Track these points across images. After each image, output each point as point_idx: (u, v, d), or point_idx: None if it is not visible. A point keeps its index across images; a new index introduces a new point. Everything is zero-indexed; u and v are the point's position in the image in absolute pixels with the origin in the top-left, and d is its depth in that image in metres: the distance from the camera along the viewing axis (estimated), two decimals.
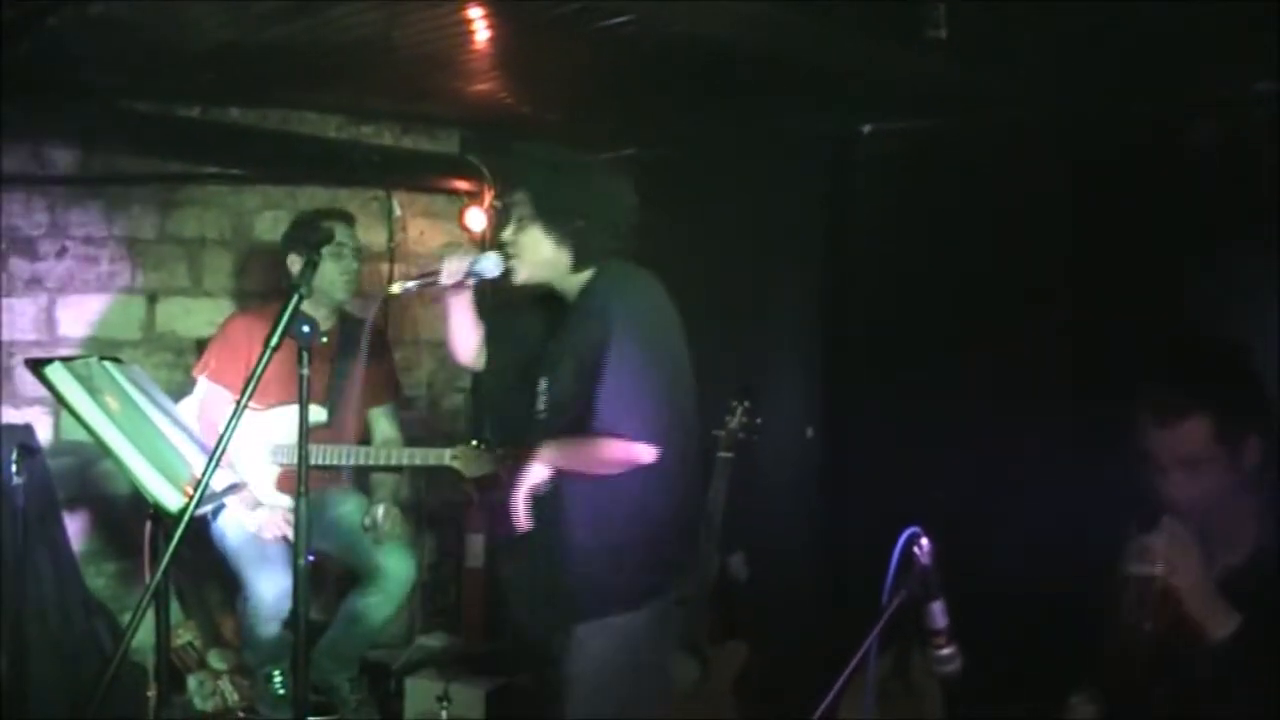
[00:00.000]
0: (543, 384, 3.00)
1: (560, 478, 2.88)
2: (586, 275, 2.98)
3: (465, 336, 3.17)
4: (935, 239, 3.99)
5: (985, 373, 3.79)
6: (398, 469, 4.44)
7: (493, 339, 3.21)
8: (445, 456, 4.12)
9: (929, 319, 4.02)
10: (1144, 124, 3.55)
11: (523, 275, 2.98)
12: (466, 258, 3.00)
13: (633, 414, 2.79)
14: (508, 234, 2.99)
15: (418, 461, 4.22)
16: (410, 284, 3.06)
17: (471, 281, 3.03)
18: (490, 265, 2.98)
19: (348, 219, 4.32)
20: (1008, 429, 3.68)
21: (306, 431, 2.67)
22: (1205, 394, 2.34)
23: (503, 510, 2.92)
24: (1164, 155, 3.48)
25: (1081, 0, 2.89)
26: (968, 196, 3.91)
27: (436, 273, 3.00)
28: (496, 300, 3.34)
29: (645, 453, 2.80)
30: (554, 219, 2.93)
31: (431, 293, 3.13)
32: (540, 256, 2.95)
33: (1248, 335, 3.15)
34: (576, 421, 2.83)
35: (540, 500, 2.88)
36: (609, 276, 2.96)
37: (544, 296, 3.07)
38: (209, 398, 4.16)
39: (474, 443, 4.10)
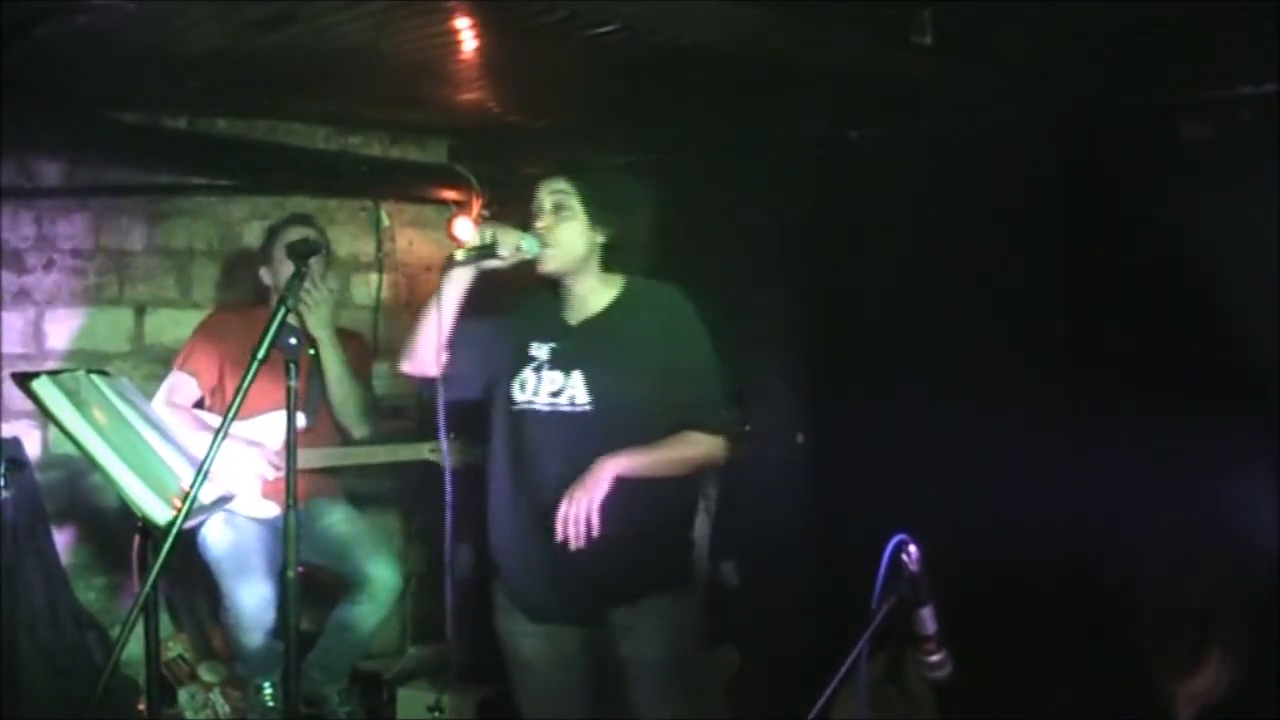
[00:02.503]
0: (567, 379, 2.91)
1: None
2: (616, 279, 2.98)
3: (445, 326, 2.93)
4: (925, 241, 3.98)
5: (977, 377, 3.78)
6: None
7: (492, 332, 3.06)
8: (424, 451, 4.19)
9: (919, 323, 4.02)
10: (1138, 124, 3.55)
11: (552, 265, 2.91)
12: (514, 234, 2.85)
13: (718, 412, 2.95)
14: (544, 221, 2.90)
15: (400, 457, 4.27)
16: (471, 253, 2.88)
17: (511, 261, 2.87)
18: (533, 247, 2.87)
19: (309, 221, 4.31)
20: (1000, 434, 3.67)
21: (295, 444, 2.66)
22: (1218, 638, 2.43)
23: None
24: (1157, 156, 3.48)
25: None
26: (958, 198, 3.90)
27: (493, 245, 2.84)
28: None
29: (727, 449, 2.95)
30: (602, 218, 2.91)
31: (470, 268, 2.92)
32: (576, 251, 2.91)
33: (1245, 331, 3.17)
34: (640, 419, 2.87)
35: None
36: (652, 284, 3.00)
37: (522, 292, 3.04)
38: (175, 384, 4.15)
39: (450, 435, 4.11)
